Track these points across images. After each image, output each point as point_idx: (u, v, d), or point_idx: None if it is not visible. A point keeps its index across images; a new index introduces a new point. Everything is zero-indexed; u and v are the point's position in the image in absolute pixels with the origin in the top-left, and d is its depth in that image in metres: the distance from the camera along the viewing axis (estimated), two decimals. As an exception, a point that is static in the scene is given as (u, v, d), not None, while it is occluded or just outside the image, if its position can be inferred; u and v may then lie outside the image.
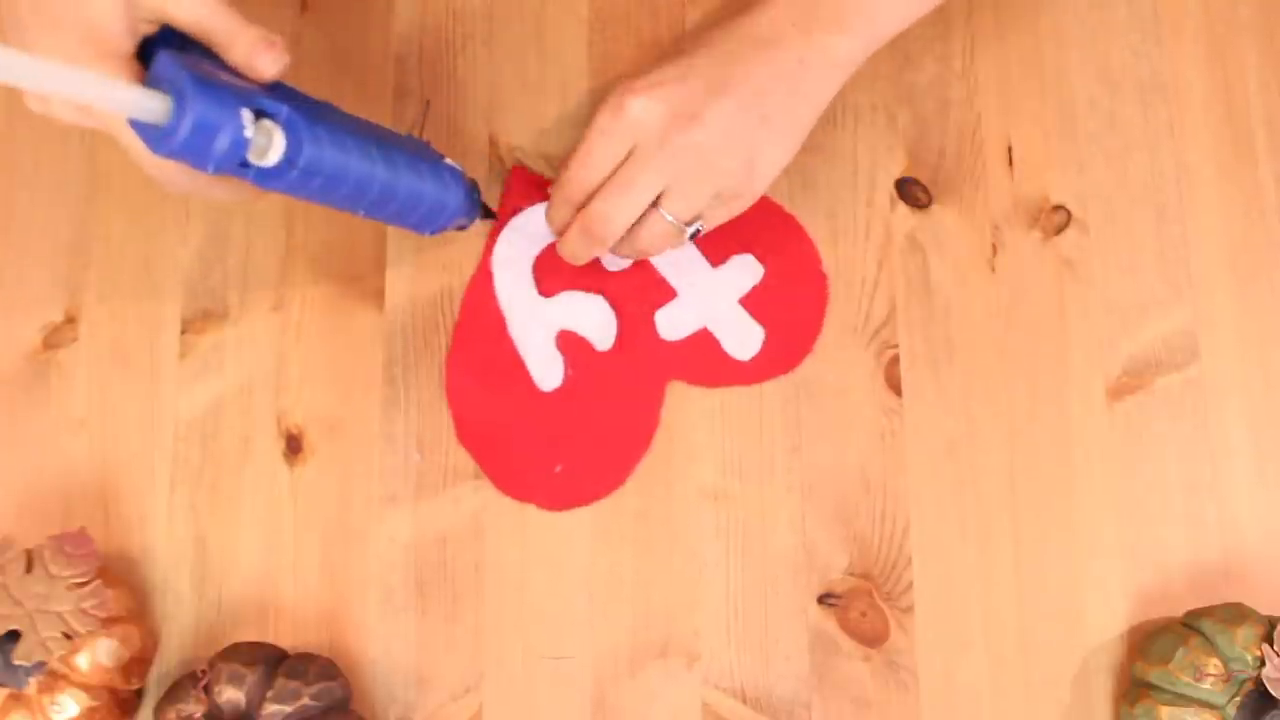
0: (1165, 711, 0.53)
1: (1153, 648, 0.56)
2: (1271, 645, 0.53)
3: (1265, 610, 0.56)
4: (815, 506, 0.60)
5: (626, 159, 0.55)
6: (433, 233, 0.57)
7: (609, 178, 0.55)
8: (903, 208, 0.63)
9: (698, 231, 0.57)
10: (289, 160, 0.48)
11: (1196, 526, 0.60)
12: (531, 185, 0.63)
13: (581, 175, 0.56)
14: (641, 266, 0.62)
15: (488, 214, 0.60)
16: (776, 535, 0.60)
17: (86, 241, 0.64)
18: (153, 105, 0.44)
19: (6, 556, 0.54)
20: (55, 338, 0.63)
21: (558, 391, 0.61)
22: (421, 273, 0.63)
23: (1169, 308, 0.63)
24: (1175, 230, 0.64)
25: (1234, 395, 0.62)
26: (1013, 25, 0.65)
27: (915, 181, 0.64)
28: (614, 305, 0.61)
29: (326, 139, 0.49)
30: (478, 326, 0.61)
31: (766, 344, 0.61)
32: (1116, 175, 0.64)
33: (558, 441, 0.60)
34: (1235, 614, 0.55)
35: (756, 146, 0.55)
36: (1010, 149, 0.64)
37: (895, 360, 0.62)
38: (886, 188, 0.63)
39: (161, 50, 0.46)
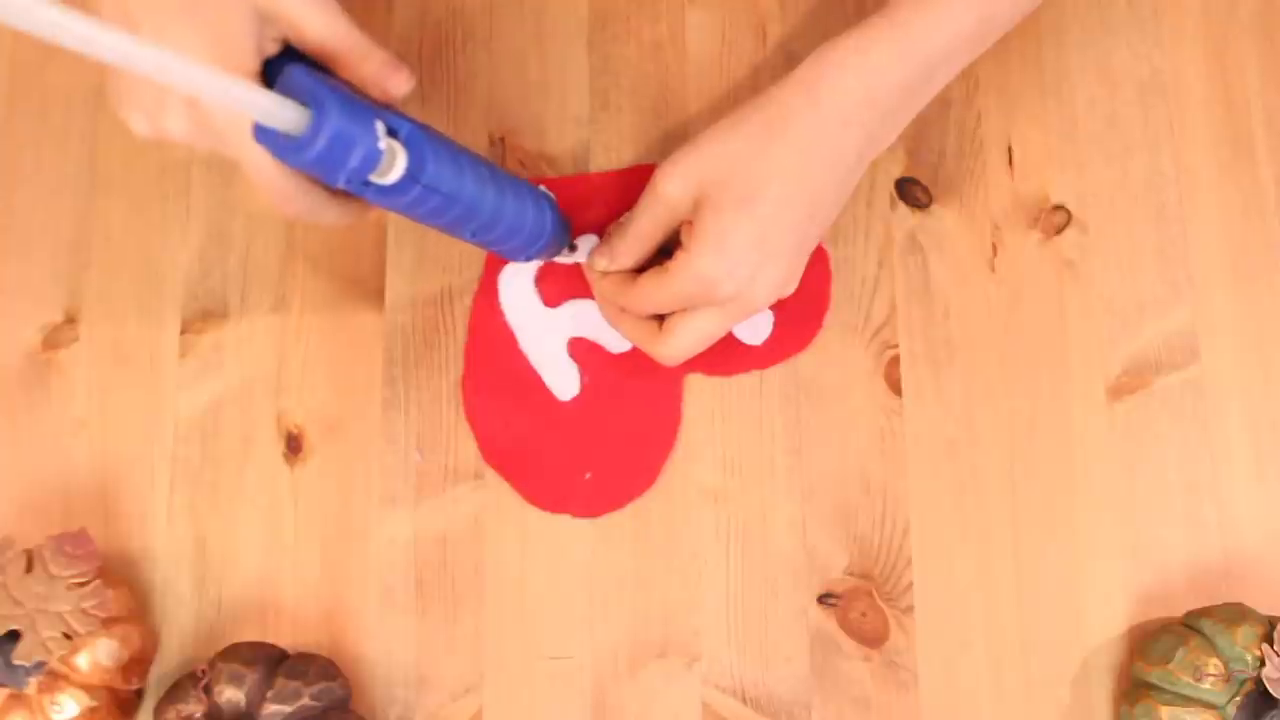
0: (1165, 711, 0.53)
1: (1153, 648, 0.56)
2: (1271, 645, 0.53)
3: (1265, 610, 0.56)
4: (815, 507, 0.60)
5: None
6: (528, 259, 0.58)
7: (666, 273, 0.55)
8: (903, 208, 0.64)
9: None
10: (411, 177, 0.48)
11: (1196, 526, 0.60)
12: None
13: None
14: None
15: (571, 244, 0.61)
16: (776, 535, 0.60)
17: (86, 241, 0.64)
18: (292, 115, 0.44)
19: (6, 556, 0.54)
20: (55, 338, 0.63)
21: (577, 400, 0.61)
22: (421, 273, 0.63)
23: (1169, 308, 0.63)
24: (1175, 230, 0.64)
25: (1234, 395, 0.62)
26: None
27: (915, 181, 0.64)
28: None
29: (446, 157, 0.49)
30: (488, 344, 0.61)
31: (777, 326, 0.62)
32: (1116, 175, 0.64)
33: (583, 449, 0.60)
34: (1235, 614, 0.55)
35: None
36: (1010, 149, 0.64)
37: (895, 360, 0.62)
38: (886, 188, 0.63)
39: (291, 64, 0.46)
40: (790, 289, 0.57)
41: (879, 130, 0.55)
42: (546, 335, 0.62)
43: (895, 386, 0.61)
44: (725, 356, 0.61)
